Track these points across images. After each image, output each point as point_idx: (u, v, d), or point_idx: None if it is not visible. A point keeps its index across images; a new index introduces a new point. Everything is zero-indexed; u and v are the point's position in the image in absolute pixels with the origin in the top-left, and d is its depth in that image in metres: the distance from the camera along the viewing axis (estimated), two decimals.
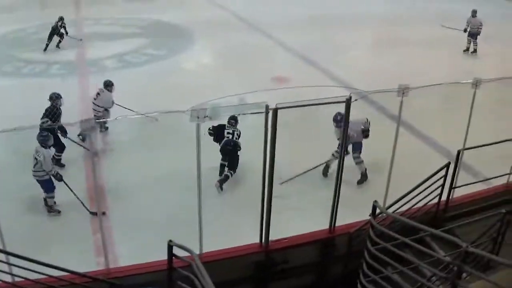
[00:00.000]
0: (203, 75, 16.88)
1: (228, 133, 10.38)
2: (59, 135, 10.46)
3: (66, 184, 9.16)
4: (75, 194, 9.13)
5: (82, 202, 9.12)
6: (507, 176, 9.60)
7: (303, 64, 18.16)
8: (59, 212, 9.37)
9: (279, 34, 21.20)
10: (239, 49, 19.27)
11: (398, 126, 8.15)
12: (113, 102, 12.13)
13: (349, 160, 9.57)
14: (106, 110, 12.11)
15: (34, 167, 8.94)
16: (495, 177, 9.54)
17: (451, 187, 8.52)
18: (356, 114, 8.42)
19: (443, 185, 8.19)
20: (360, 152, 10.27)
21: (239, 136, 10.41)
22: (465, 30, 20.77)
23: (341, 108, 7.44)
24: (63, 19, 19.22)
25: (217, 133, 10.35)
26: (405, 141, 10.75)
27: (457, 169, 8.39)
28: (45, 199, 9.34)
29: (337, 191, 7.88)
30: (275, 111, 6.58)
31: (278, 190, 7.88)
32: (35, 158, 8.89)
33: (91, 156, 8.00)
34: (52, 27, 18.87)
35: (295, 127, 10.23)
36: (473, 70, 15.47)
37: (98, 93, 12.10)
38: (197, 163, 6.92)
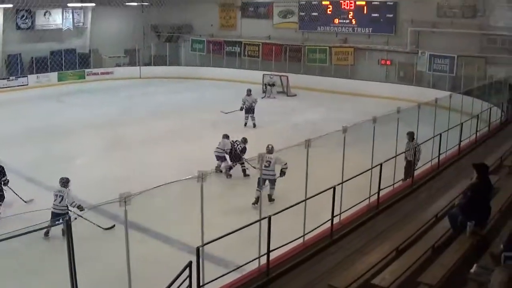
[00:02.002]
0: None
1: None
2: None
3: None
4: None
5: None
6: (257, 259, 10.13)
7: (26, 184, 17.42)
8: None
9: None
10: None
11: (127, 237, 8.12)
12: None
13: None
14: (226, 153, 18.82)
15: (59, 203, 13.38)
16: (245, 264, 9.89)
17: (198, 286, 8.69)
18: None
19: (190, 286, 8.28)
20: None
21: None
22: (241, 109, 25.70)
23: None
24: None
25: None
26: (147, 247, 10.96)
27: (199, 266, 8.64)
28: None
29: None
30: None
31: None
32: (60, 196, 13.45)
33: None
34: None
35: None
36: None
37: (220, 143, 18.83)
38: None
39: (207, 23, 44.56)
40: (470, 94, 23.63)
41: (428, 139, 16.09)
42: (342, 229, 11.58)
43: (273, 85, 34.59)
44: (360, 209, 12.64)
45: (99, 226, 13.26)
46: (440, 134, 16.27)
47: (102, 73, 41.63)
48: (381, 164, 12.74)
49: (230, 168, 18.58)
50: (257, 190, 14.99)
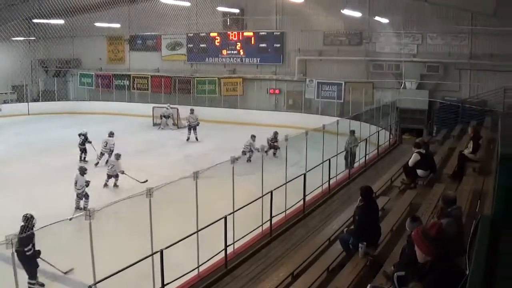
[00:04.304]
0: None
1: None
2: None
3: None
4: None
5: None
6: None
7: None
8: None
9: None
10: None
11: (16, 278, 7.99)
12: None
13: None
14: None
15: (111, 169, 20.57)
16: None
17: None
18: None
19: None
20: None
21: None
22: (187, 126, 30.02)
23: None
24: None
25: None
26: None
27: None
28: None
29: None
30: None
31: None
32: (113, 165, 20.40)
33: None
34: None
35: None
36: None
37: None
38: None
39: (95, 56, 44.15)
40: (358, 119, 24.49)
41: (317, 165, 16.52)
42: (236, 258, 11.85)
43: (168, 117, 34.58)
44: (253, 237, 12.98)
45: (137, 180, 19.04)
46: (329, 159, 16.78)
47: None
48: (271, 192, 13.03)
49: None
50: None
